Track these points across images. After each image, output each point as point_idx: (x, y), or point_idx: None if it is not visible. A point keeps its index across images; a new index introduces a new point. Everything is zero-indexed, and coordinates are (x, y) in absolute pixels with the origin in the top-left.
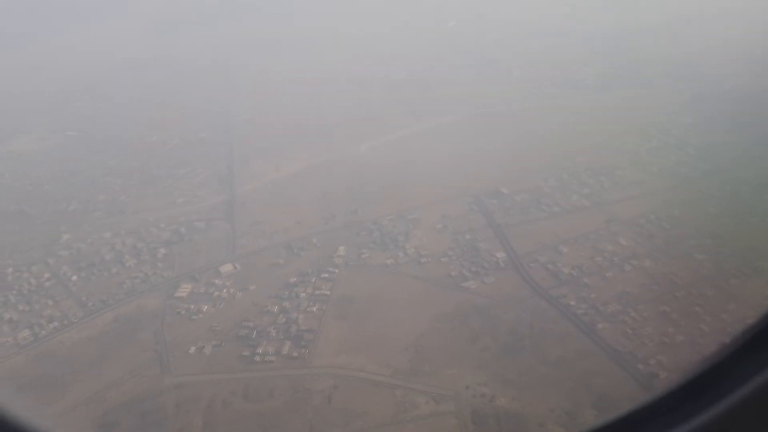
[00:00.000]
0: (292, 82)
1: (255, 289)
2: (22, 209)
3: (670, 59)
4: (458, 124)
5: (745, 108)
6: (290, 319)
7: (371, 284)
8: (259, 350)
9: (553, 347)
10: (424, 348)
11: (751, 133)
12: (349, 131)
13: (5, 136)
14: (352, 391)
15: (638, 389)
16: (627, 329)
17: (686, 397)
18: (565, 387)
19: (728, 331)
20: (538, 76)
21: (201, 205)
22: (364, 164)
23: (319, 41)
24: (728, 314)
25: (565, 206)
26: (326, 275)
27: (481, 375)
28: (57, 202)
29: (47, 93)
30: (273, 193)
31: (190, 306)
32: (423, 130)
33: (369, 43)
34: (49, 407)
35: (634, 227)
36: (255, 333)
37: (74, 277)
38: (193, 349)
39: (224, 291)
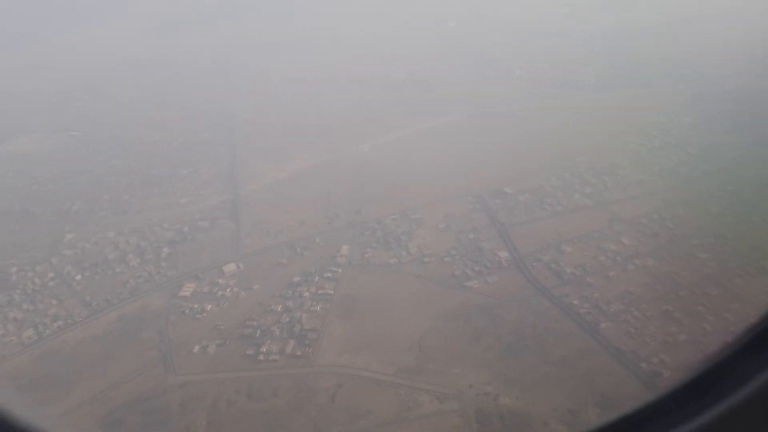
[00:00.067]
0: (293, 82)
1: (259, 289)
2: (26, 208)
3: (670, 59)
4: (459, 124)
5: (746, 108)
6: (294, 319)
7: (374, 283)
8: (263, 349)
9: (556, 346)
10: (428, 347)
11: (751, 133)
12: (350, 131)
13: (6, 136)
14: (355, 389)
15: (641, 388)
16: (630, 328)
17: (689, 396)
18: (568, 386)
19: (731, 330)
20: (539, 76)
21: (204, 205)
22: (366, 164)
23: (319, 41)
24: (731, 313)
25: (567, 205)
26: (329, 275)
27: (484, 374)
28: (61, 201)
29: (48, 93)
30: (276, 192)
31: (194, 305)
32: (424, 130)
33: (369, 43)
34: (53, 406)
35: (637, 226)
36: (259, 332)
37: (78, 277)
38: (197, 348)
39: (228, 290)
